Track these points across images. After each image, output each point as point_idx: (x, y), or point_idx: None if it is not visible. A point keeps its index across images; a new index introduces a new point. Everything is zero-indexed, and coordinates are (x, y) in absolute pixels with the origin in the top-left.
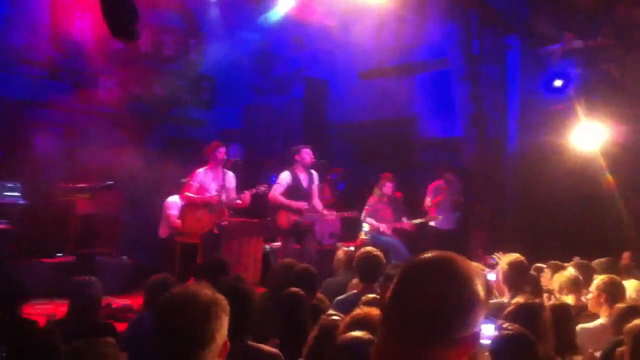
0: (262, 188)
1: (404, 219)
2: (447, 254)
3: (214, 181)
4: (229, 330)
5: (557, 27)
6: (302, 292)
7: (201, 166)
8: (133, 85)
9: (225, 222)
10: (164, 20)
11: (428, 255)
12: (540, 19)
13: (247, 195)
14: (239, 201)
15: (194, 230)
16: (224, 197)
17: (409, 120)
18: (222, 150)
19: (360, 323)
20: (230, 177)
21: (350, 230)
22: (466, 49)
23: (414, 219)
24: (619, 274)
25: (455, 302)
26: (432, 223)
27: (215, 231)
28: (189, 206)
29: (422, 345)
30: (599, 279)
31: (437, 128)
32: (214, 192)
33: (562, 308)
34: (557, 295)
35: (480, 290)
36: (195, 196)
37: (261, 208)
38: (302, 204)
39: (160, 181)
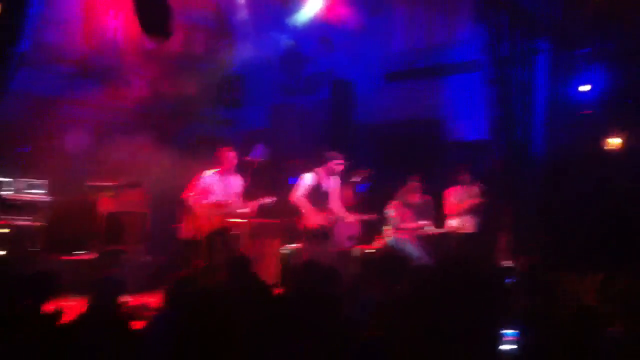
0: (268, 201)
1: (431, 224)
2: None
3: (222, 185)
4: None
5: (589, 30)
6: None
7: (211, 168)
8: (163, 84)
9: (231, 227)
10: (195, 20)
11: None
12: (572, 21)
13: (254, 205)
14: (245, 210)
15: (199, 230)
16: (230, 202)
17: (437, 122)
18: (232, 155)
19: None
20: (238, 183)
21: (370, 233)
22: (496, 51)
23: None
24: None
25: None
26: (452, 227)
27: (236, 231)
28: (195, 207)
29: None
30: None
31: (465, 130)
32: (220, 197)
33: (585, 312)
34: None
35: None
36: (203, 200)
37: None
38: (319, 219)
39: (187, 180)
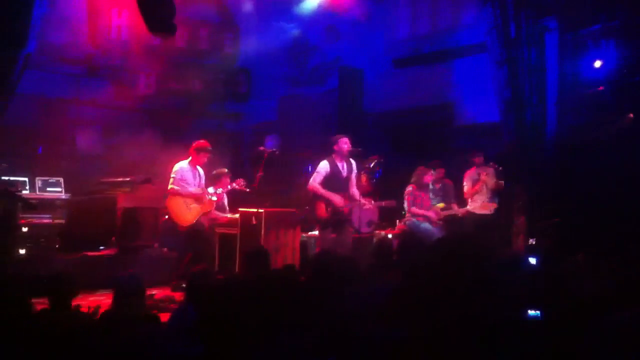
0: (238, 185)
1: (454, 206)
2: None
3: (195, 177)
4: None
5: (596, 7)
6: None
7: (184, 158)
8: (170, 81)
9: (213, 216)
10: (199, 15)
11: None
12: None
13: (220, 193)
14: (214, 198)
15: (184, 219)
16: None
17: (446, 106)
18: (206, 155)
19: None
20: (202, 174)
21: (387, 218)
22: (503, 33)
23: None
24: None
25: None
26: (470, 210)
27: (254, 222)
28: (179, 197)
29: None
30: None
31: (475, 113)
32: (195, 187)
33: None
34: None
35: None
36: (187, 191)
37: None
38: (339, 199)
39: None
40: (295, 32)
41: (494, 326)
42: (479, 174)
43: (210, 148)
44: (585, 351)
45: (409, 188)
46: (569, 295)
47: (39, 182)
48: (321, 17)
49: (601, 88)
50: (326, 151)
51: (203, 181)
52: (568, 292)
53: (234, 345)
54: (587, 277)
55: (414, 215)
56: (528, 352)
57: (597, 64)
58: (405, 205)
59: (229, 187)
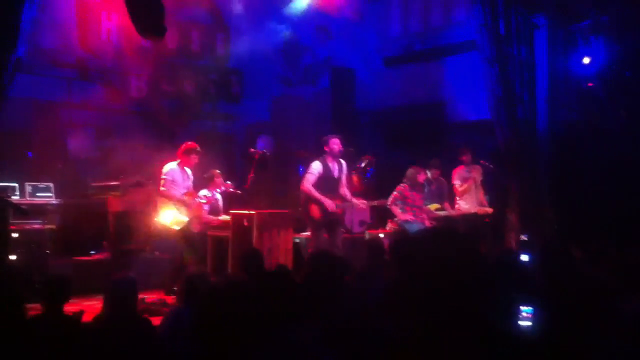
0: (226, 187)
1: (447, 206)
2: None
3: (184, 178)
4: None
5: (585, 3)
6: None
7: (173, 160)
8: (162, 83)
9: (205, 219)
10: (190, 16)
11: None
12: None
13: (211, 197)
14: (203, 200)
15: (174, 221)
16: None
17: (439, 104)
18: (196, 157)
19: None
20: (191, 175)
21: (380, 218)
22: (493, 30)
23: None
24: None
25: None
26: (462, 209)
27: (245, 223)
28: (169, 199)
29: None
30: None
31: (468, 111)
32: (183, 188)
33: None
34: None
35: None
36: (176, 197)
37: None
38: (331, 204)
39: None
40: (286, 32)
41: (491, 322)
42: (469, 172)
43: (199, 149)
44: (584, 349)
45: (401, 187)
46: (566, 292)
47: (29, 187)
48: (312, 17)
49: (591, 84)
50: (319, 151)
51: (191, 183)
52: (564, 289)
53: (234, 347)
54: (584, 273)
55: (394, 212)
56: (526, 350)
57: (586, 60)
58: (389, 200)
59: (222, 188)
